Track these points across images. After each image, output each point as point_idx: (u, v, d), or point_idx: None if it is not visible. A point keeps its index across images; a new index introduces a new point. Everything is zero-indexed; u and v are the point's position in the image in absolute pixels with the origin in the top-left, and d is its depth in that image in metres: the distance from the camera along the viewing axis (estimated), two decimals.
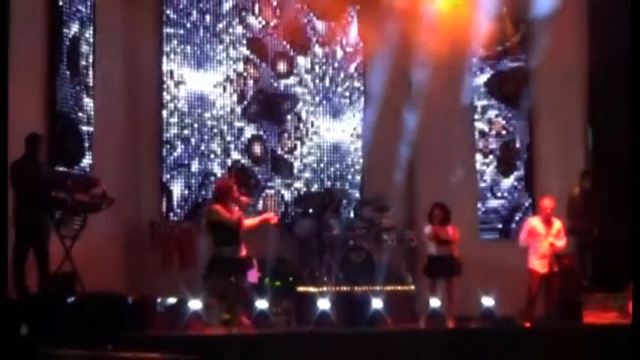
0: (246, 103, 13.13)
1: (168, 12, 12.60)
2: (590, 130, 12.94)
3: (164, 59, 12.50)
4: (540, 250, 10.46)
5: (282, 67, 13.46)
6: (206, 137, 12.78)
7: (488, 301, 10.78)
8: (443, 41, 12.62)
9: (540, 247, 10.48)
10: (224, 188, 9.21)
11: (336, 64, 13.88)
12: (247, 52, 13.18)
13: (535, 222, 10.64)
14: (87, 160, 10.80)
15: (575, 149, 13.02)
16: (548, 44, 12.69)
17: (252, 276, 10.76)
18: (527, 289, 10.52)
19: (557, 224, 10.60)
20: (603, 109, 12.57)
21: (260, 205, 12.84)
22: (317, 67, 13.73)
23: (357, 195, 13.64)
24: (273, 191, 13.20)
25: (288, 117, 13.46)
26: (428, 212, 11.01)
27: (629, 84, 10.23)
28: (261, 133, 13.24)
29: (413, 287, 11.66)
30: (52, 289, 8.72)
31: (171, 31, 12.60)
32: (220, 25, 12.98)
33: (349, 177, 13.76)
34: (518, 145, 13.45)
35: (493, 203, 13.49)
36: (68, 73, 10.52)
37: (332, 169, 13.69)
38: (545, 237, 10.47)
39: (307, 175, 13.48)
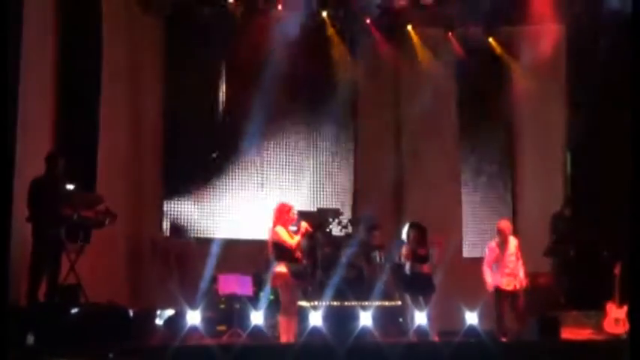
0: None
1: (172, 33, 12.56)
2: (569, 155, 12.98)
3: (167, 87, 12.46)
4: (505, 268, 10.34)
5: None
6: (205, 161, 12.69)
7: (471, 317, 10.77)
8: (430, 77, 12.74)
9: (503, 265, 10.35)
10: (279, 211, 9.12)
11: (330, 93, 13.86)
12: None
13: (494, 245, 10.54)
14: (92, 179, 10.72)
15: (554, 173, 13.07)
16: (530, 75, 12.80)
17: (248, 290, 10.77)
18: (495, 306, 10.39)
19: (513, 242, 10.48)
20: (582, 136, 12.63)
21: None
22: (312, 95, 13.68)
23: (349, 215, 13.59)
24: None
25: (285, 141, 13.42)
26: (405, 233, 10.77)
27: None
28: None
29: (400, 303, 11.59)
30: (57, 299, 8.67)
31: (175, 61, 12.56)
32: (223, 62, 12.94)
33: (341, 198, 13.71)
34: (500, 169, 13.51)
35: (476, 223, 13.47)
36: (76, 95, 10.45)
37: (325, 190, 13.65)
38: (503, 256, 10.36)
39: (302, 196, 13.42)
